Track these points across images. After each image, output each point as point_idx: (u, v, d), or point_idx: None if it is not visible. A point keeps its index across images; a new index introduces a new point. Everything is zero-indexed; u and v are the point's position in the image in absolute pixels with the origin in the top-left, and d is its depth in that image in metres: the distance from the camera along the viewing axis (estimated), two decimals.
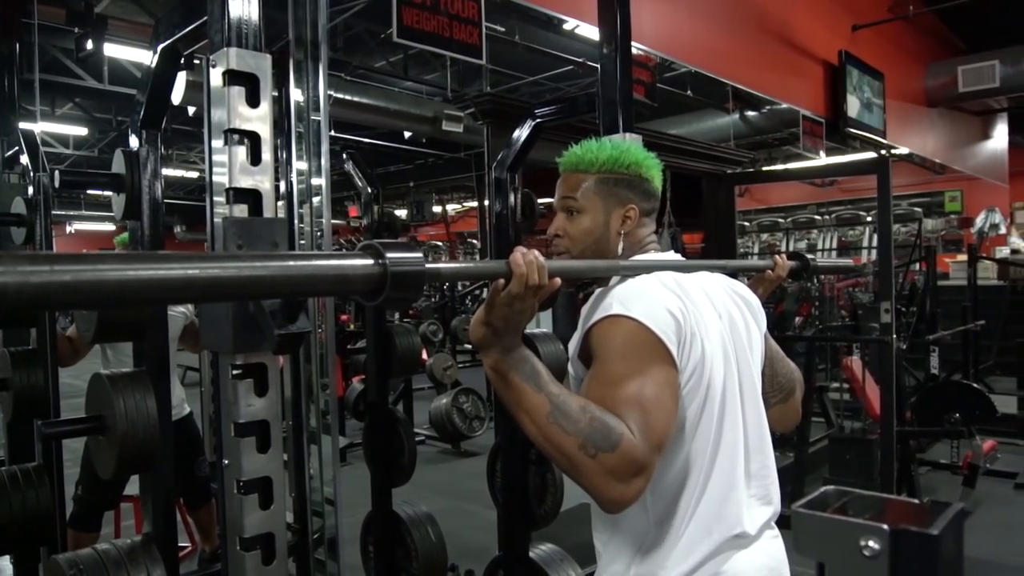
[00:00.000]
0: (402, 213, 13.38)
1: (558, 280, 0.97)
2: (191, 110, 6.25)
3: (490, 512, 2.43)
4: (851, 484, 3.88)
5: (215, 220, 1.14)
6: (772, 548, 1.16)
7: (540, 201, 2.39)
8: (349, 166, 2.87)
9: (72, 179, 1.50)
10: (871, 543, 0.45)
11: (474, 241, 15.87)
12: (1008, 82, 6.58)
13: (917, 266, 7.51)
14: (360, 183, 2.85)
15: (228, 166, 1.11)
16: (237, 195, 1.11)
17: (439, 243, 16.78)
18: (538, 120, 2.09)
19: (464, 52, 2.50)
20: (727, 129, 7.96)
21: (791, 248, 13.27)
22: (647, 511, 1.08)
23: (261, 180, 1.13)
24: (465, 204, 15.79)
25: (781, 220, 14.10)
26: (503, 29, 5.44)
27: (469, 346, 7.66)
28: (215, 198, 1.14)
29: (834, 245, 13.70)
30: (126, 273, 0.64)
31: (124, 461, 1.38)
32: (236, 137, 1.13)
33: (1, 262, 0.56)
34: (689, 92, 6.83)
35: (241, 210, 1.11)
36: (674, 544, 1.06)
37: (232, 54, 1.11)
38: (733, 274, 1.34)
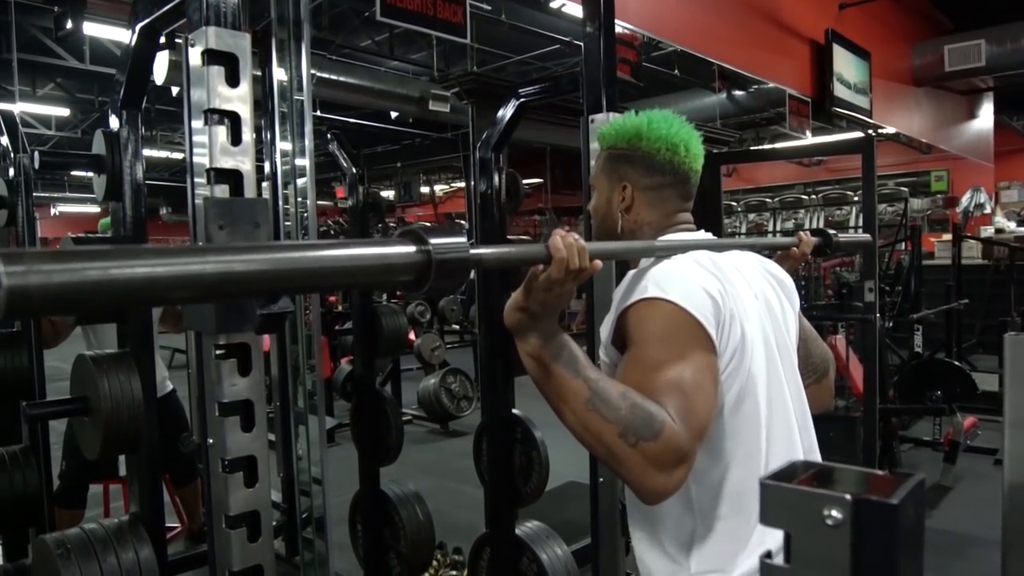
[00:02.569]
0: (390, 194, 13.34)
1: (599, 263, 0.92)
2: (175, 90, 6.18)
3: (477, 491, 2.45)
4: (834, 461, 3.95)
5: (196, 201, 1.13)
6: None
7: (526, 182, 2.40)
8: (334, 147, 2.86)
9: (52, 160, 1.49)
10: (834, 512, 0.47)
11: (462, 222, 15.85)
12: (993, 61, 6.60)
13: (903, 245, 7.58)
14: (344, 164, 2.84)
15: (208, 147, 1.11)
16: (218, 176, 1.11)
17: (427, 224, 16.74)
18: (522, 100, 2.09)
19: (448, 31, 2.48)
20: (714, 109, 7.96)
21: (778, 228, 13.34)
22: (692, 505, 1.03)
23: (242, 160, 1.13)
24: (453, 184, 15.73)
25: (768, 200, 14.12)
26: (489, 7, 5.40)
27: (457, 327, 7.67)
28: (196, 179, 1.14)
29: (821, 225, 13.75)
30: (156, 269, 0.58)
31: (109, 441, 1.39)
32: (216, 117, 1.12)
33: (21, 260, 0.51)
34: (676, 72, 6.82)
35: (223, 191, 1.11)
36: (738, 536, 1.01)
37: (211, 33, 1.10)
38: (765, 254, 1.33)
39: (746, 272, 1.12)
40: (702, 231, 1.19)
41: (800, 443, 1.10)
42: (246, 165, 1.13)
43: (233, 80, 1.13)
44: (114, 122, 1.46)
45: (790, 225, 13.75)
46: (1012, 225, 10.78)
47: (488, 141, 2.23)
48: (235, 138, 1.13)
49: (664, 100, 8.14)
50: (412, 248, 0.74)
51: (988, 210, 11.79)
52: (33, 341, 2.12)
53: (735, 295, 1.03)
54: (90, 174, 1.55)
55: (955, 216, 12.17)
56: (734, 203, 13.86)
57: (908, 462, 4.23)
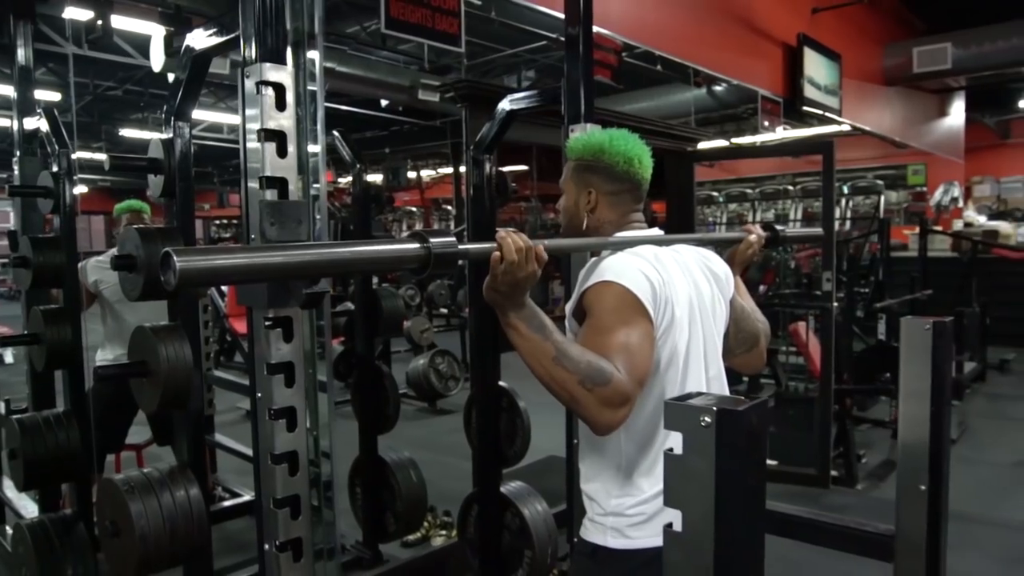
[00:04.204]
0: (377, 178, 13.52)
1: (543, 252, 1.18)
2: (170, 77, 6.38)
3: (465, 463, 2.68)
4: (793, 437, 4.28)
5: (251, 202, 1.41)
6: None
7: (513, 169, 2.65)
8: (337, 142, 3.12)
9: (117, 163, 1.75)
10: (706, 418, 0.75)
11: (449, 207, 16.06)
12: (960, 64, 6.93)
13: (876, 237, 7.92)
14: (348, 158, 3.10)
15: (261, 159, 1.38)
16: (269, 182, 1.39)
17: (413, 208, 16.94)
18: (510, 109, 2.36)
19: (446, 41, 2.75)
20: (695, 103, 8.25)
21: (759, 218, 13.66)
22: (627, 439, 1.32)
23: (287, 170, 1.40)
24: (439, 171, 15.91)
25: (749, 191, 14.40)
26: (479, 2, 5.61)
27: (445, 310, 7.95)
28: (250, 184, 1.42)
29: (799, 216, 14.06)
30: (255, 260, 0.96)
31: (166, 399, 1.66)
32: (266, 135, 1.40)
33: (186, 254, 0.86)
34: (659, 67, 7.09)
35: (272, 194, 1.39)
36: (651, 466, 1.31)
37: (265, 68, 1.37)
38: (721, 248, 1.63)
39: (684, 264, 1.42)
40: (654, 228, 1.49)
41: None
42: (291, 173, 1.40)
43: (280, 105, 1.40)
44: (168, 132, 1.72)
45: (770, 216, 14.08)
46: (982, 219, 11.17)
47: (481, 143, 2.51)
48: (281, 152, 1.41)
49: (646, 94, 8.43)
50: (418, 245, 1.08)
51: (961, 204, 12.20)
52: (75, 315, 2.38)
53: (671, 283, 1.33)
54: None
55: (928, 210, 12.57)
56: (715, 193, 14.17)
57: (863, 440, 4.55)
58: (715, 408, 0.77)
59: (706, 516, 0.80)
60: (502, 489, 2.59)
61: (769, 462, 4.26)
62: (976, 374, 6.67)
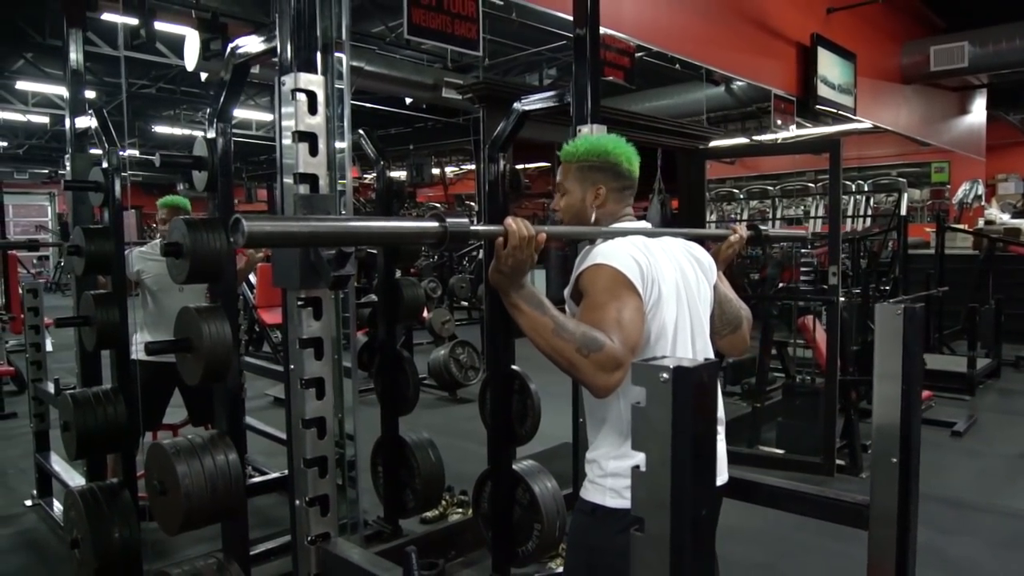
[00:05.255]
0: (402, 174, 13.75)
1: (544, 235, 1.37)
2: (203, 76, 6.65)
3: (481, 448, 2.82)
4: (801, 427, 4.41)
5: (286, 195, 1.59)
6: (719, 445, 1.61)
7: (534, 166, 2.80)
8: (363, 140, 3.31)
9: (168, 160, 1.95)
10: (664, 375, 0.92)
11: (472, 204, 16.26)
12: (976, 62, 6.96)
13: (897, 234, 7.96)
14: (372, 155, 3.29)
15: (295, 157, 1.57)
16: (302, 177, 1.57)
17: (437, 204, 17.15)
18: (524, 110, 2.53)
19: (464, 46, 2.92)
20: (713, 100, 8.34)
21: (780, 215, 13.69)
22: (625, 407, 1.43)
23: (318, 167, 1.59)
24: (463, 167, 16.10)
25: (770, 188, 14.41)
26: (500, 2, 5.77)
27: (465, 303, 8.14)
28: (285, 179, 1.60)
29: (821, 212, 14.04)
30: (318, 227, 1.18)
31: (208, 372, 1.86)
32: (299, 136, 1.58)
33: (253, 219, 1.06)
34: (677, 66, 7.20)
35: (305, 188, 1.57)
36: None
37: (300, 77, 1.56)
38: (701, 242, 1.81)
39: (670, 252, 1.60)
40: (642, 221, 1.68)
41: None
42: (322, 170, 1.59)
43: (312, 109, 1.59)
44: (211, 131, 1.92)
45: (793, 212, 14.08)
46: (1005, 217, 11.11)
47: (496, 142, 2.68)
48: (313, 151, 1.59)
49: (664, 92, 8.54)
50: (436, 224, 1.27)
51: (984, 202, 12.14)
52: (122, 300, 2.59)
53: (657, 266, 1.51)
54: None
55: (951, 207, 12.52)
56: (736, 190, 14.22)
57: (868, 431, 4.64)
58: (672, 367, 0.94)
59: (664, 457, 0.96)
60: (514, 466, 2.76)
61: (775, 450, 4.42)
62: (990, 370, 6.71)
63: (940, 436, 4.94)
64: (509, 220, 1.35)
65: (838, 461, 4.19)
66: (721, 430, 1.66)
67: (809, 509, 1.90)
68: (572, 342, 1.32)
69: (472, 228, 1.30)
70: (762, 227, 2.04)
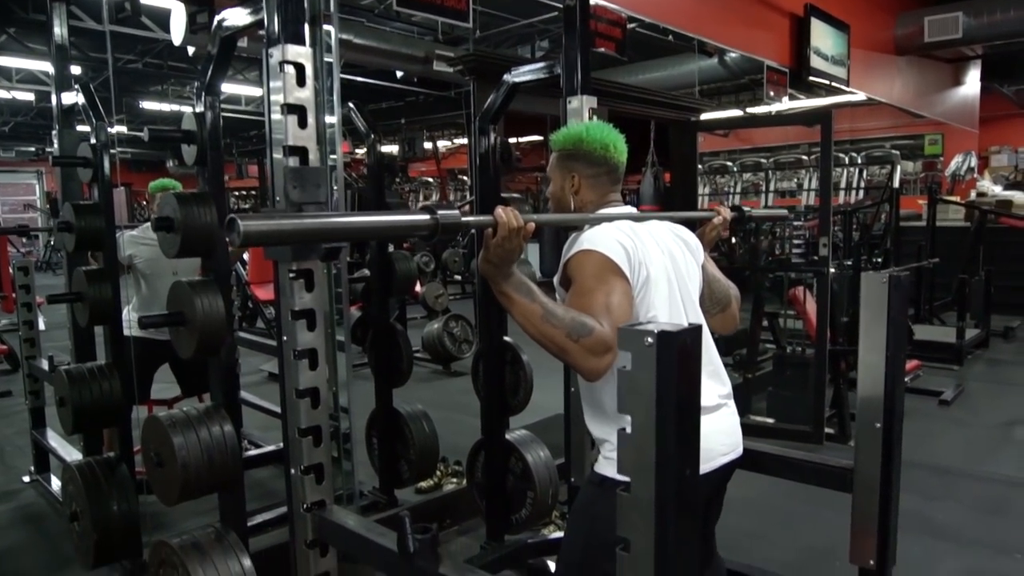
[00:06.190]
0: (394, 149, 13.68)
1: (532, 224, 1.39)
2: (190, 49, 6.57)
3: (475, 420, 2.85)
4: (791, 397, 4.46)
5: (276, 168, 1.60)
6: (729, 417, 1.66)
7: (527, 139, 2.80)
8: (353, 113, 3.30)
9: (156, 134, 1.94)
10: (649, 338, 0.94)
11: (464, 178, 16.19)
12: (970, 33, 6.93)
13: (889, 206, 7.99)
14: (363, 129, 3.28)
15: (284, 130, 1.57)
16: (291, 150, 1.57)
17: (430, 179, 17.08)
18: (514, 82, 2.53)
19: (454, 17, 2.90)
20: (706, 72, 8.29)
21: (773, 188, 13.69)
22: None
23: (308, 140, 1.59)
24: (455, 141, 16.01)
25: (764, 160, 14.39)
26: None
27: (459, 277, 8.16)
28: (275, 152, 1.60)
29: (814, 185, 14.01)
30: (312, 224, 1.22)
31: (202, 345, 1.87)
32: (288, 108, 1.58)
33: (249, 218, 1.08)
34: (670, 37, 7.15)
35: (294, 161, 1.58)
36: None
37: (287, 49, 1.55)
38: (691, 224, 1.84)
39: (656, 235, 1.63)
40: (628, 206, 1.71)
41: None
42: (311, 143, 1.59)
43: (301, 81, 1.58)
44: (199, 105, 1.91)
45: (787, 185, 14.07)
46: (997, 189, 11.13)
47: (486, 114, 2.67)
48: (302, 123, 1.59)
49: (659, 64, 8.50)
50: (428, 216, 1.29)
51: (976, 174, 12.15)
52: (113, 277, 2.60)
53: (644, 250, 1.53)
54: None
55: (944, 180, 12.54)
56: (729, 163, 14.19)
57: (856, 401, 4.71)
58: (656, 331, 0.96)
59: (648, 419, 0.99)
60: (507, 436, 2.79)
61: (766, 419, 4.46)
62: (979, 340, 6.78)
63: (928, 405, 5.01)
64: (499, 210, 1.37)
65: (827, 430, 4.25)
66: (730, 402, 1.69)
67: (796, 474, 1.94)
68: (562, 328, 1.34)
69: (463, 219, 1.32)
70: (745, 208, 2.10)
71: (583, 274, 1.46)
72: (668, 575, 0.99)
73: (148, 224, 3.51)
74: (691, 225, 1.87)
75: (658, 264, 1.56)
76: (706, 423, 1.56)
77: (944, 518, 3.29)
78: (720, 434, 1.62)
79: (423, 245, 8.72)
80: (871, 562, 1.68)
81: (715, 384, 1.65)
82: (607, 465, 1.55)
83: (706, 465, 1.56)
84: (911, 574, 2.65)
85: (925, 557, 2.90)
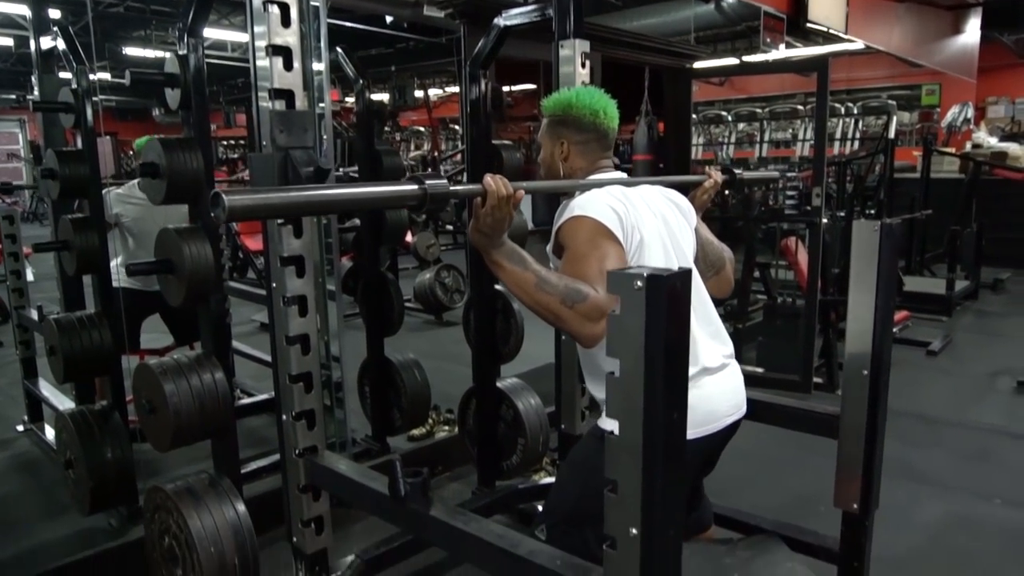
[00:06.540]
0: (384, 98, 13.46)
1: (522, 192, 1.38)
2: None
3: (467, 369, 2.85)
4: (780, 346, 4.50)
5: (262, 112, 1.56)
6: (733, 377, 1.66)
7: (520, 88, 2.75)
8: (341, 59, 3.23)
9: (139, 78, 1.89)
10: (638, 283, 0.93)
11: (456, 127, 15.97)
12: None
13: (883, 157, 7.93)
14: (352, 74, 3.22)
15: (269, 72, 1.53)
16: (277, 93, 1.54)
17: (421, 128, 16.85)
18: (505, 25, 2.47)
19: None
20: (702, 18, 8.13)
21: (768, 138, 13.59)
22: None
23: (294, 83, 1.55)
24: (447, 89, 15.76)
25: (759, 110, 14.24)
26: None
27: (451, 227, 8.12)
28: (260, 95, 1.57)
29: (809, 135, 13.91)
30: (299, 198, 1.22)
31: (191, 293, 1.86)
32: (273, 50, 1.54)
33: (233, 194, 1.08)
34: None
35: (280, 104, 1.54)
36: None
37: None
38: (683, 188, 1.82)
39: (648, 198, 1.62)
40: (619, 171, 1.70)
41: (690, 311, 1.61)
42: (297, 87, 1.55)
43: (286, 22, 1.54)
44: (182, 48, 1.86)
45: (782, 135, 13.96)
46: (992, 140, 11.06)
47: (477, 59, 2.62)
48: (287, 66, 1.55)
49: (654, 9, 8.32)
50: (416, 186, 1.28)
51: (973, 125, 12.07)
52: (99, 225, 2.56)
53: (636, 213, 1.53)
54: None
55: (940, 131, 12.46)
56: (724, 112, 14.03)
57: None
58: (645, 274, 0.96)
59: (637, 362, 0.99)
60: (498, 384, 2.81)
61: (755, 369, 4.51)
62: (968, 292, 6.83)
63: (916, 355, 5.07)
64: (488, 179, 1.36)
65: (815, 379, 4.30)
66: (733, 361, 1.70)
67: (784, 420, 1.96)
68: (556, 295, 1.34)
69: (451, 188, 1.31)
70: (736, 171, 2.09)
71: (576, 240, 1.46)
72: (655, 516, 1.01)
73: (134, 183, 3.46)
74: (683, 189, 1.87)
75: (651, 228, 1.55)
76: (711, 384, 1.58)
77: (927, 465, 3.35)
78: (726, 394, 1.63)
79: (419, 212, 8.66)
80: (854, 506, 1.71)
81: (717, 344, 1.66)
82: (610, 421, 1.57)
83: (711, 426, 1.58)
84: (893, 518, 2.72)
85: (907, 501, 2.96)
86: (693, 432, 1.53)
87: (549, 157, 1.70)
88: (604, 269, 1.38)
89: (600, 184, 1.59)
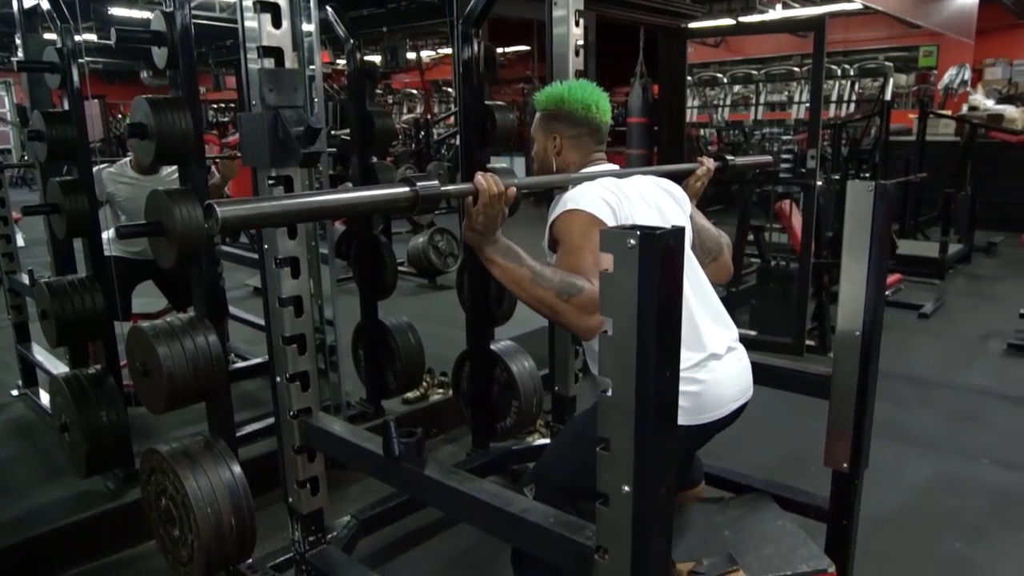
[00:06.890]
0: (376, 58, 13.26)
1: (513, 189, 1.39)
2: None
3: (461, 333, 2.86)
4: (773, 309, 4.52)
5: (250, 70, 1.54)
6: (739, 362, 1.67)
7: (513, 49, 2.70)
8: (332, 18, 3.17)
9: (124, 35, 1.85)
10: (631, 241, 0.93)
11: (449, 89, 15.78)
12: None
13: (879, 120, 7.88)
14: (342, 34, 3.16)
15: (257, 29, 1.50)
16: (266, 51, 1.51)
17: (414, 91, 16.65)
18: None
19: None
20: None
21: (763, 100, 13.48)
22: None
23: (283, 40, 1.52)
24: (440, 51, 15.54)
25: (755, 72, 14.10)
26: None
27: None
28: (248, 54, 1.54)
29: (805, 98, 13.80)
30: (291, 206, 1.25)
31: (182, 254, 1.85)
32: (261, 6, 1.50)
33: (224, 206, 1.11)
34: None
35: (269, 63, 1.51)
36: None
37: None
38: (676, 177, 1.83)
39: (642, 189, 1.63)
40: (612, 165, 1.70)
41: (693, 299, 1.60)
42: (287, 43, 1.52)
43: None
44: (168, 5, 1.82)
45: (778, 98, 13.84)
46: (990, 103, 10.98)
47: (469, 17, 2.57)
48: (276, 23, 1.52)
49: None
50: (407, 189, 1.30)
51: (970, 87, 11.98)
52: (88, 188, 2.53)
53: (629, 205, 1.53)
54: None
55: (936, 93, 12.37)
56: (720, 75, 13.89)
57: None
58: (638, 232, 0.95)
59: (630, 321, 0.99)
60: (492, 346, 2.82)
61: (749, 332, 4.53)
62: (961, 255, 6.84)
63: (907, 318, 5.10)
64: (479, 177, 1.36)
65: (808, 342, 4.33)
66: (739, 346, 1.70)
67: (777, 381, 1.97)
68: (551, 289, 1.35)
69: (443, 189, 1.32)
70: (728, 157, 2.09)
71: (570, 234, 1.46)
72: (646, 474, 1.02)
73: (126, 161, 3.42)
74: (676, 178, 1.88)
75: (645, 218, 1.56)
76: (720, 369, 1.59)
77: (917, 425, 3.40)
78: (732, 379, 1.64)
79: (407, 157, 8.56)
80: (844, 465, 1.73)
81: (721, 329, 1.66)
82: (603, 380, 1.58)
83: (719, 411, 1.59)
84: (882, 477, 2.76)
85: (896, 461, 3.01)
86: (701, 418, 1.55)
87: (542, 151, 1.71)
88: (598, 261, 1.39)
89: (593, 177, 1.59)
